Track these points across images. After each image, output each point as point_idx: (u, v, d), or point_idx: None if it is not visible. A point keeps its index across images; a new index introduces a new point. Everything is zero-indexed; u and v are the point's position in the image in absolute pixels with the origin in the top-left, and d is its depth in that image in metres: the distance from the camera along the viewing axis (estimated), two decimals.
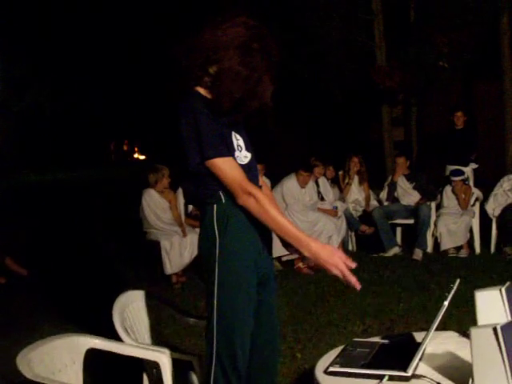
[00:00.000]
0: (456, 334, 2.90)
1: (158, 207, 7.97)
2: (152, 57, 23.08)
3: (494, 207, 8.81)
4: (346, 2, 13.09)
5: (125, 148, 45.22)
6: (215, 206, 2.71)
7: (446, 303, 2.40)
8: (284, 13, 12.90)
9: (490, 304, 2.56)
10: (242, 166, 2.73)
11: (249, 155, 2.81)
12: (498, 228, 8.73)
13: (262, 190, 2.84)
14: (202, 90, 2.75)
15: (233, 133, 2.76)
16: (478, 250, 8.75)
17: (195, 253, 7.64)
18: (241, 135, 2.81)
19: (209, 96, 2.72)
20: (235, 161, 2.67)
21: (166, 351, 3.22)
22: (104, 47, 30.88)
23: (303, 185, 8.58)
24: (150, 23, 24.73)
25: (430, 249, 8.86)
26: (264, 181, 3.04)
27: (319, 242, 2.64)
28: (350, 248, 9.24)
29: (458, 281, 2.58)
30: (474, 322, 2.57)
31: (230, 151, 2.69)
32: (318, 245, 2.61)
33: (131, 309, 3.59)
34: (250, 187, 2.62)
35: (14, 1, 28.43)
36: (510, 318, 2.50)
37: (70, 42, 31.12)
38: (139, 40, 26.90)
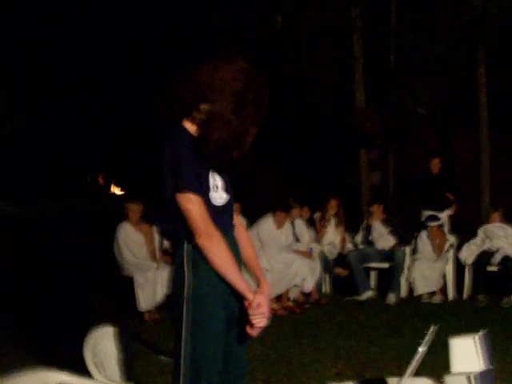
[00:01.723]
0: (429, 381, 2.90)
1: (133, 242, 7.93)
2: (131, 90, 23.11)
3: (466, 255, 8.86)
4: (327, 46, 13.26)
5: (100, 181, 45.03)
6: (186, 244, 2.72)
7: (421, 349, 2.40)
8: (264, 53, 13.05)
9: (464, 352, 2.56)
10: (215, 206, 2.75)
11: (225, 197, 2.83)
12: (471, 275, 8.77)
13: (237, 230, 2.87)
14: (188, 125, 2.78)
15: (211, 172, 2.77)
16: (451, 296, 8.76)
17: (167, 289, 7.61)
18: (220, 176, 2.83)
19: (194, 132, 2.75)
20: (203, 200, 2.68)
21: None
22: (82, 79, 30.86)
23: (280, 225, 8.58)
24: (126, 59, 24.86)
25: (403, 293, 8.86)
26: (240, 220, 3.05)
27: (259, 295, 2.71)
28: (324, 290, 9.22)
29: (433, 327, 2.59)
30: (446, 368, 2.57)
31: (203, 190, 2.70)
32: (256, 297, 2.69)
33: (103, 345, 3.55)
34: (211, 229, 2.66)
35: None
36: (483, 366, 2.50)
37: (45, 75, 31.09)
38: (116, 72, 26.94)
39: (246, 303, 2.70)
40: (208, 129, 2.68)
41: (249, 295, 2.69)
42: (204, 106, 2.72)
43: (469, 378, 2.16)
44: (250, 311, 2.69)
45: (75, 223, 20.52)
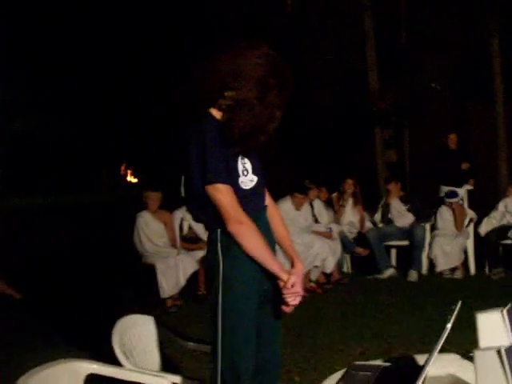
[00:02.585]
0: (457, 357, 2.90)
1: (153, 230, 7.96)
2: (148, 81, 23.12)
3: (487, 229, 8.84)
4: (338, 25, 13.19)
5: (121, 171, 45.20)
6: (219, 230, 2.78)
7: (448, 326, 2.40)
8: (278, 36, 13.00)
9: (491, 326, 2.56)
10: (245, 190, 2.80)
11: (255, 179, 2.86)
12: (487, 249, 8.74)
13: (269, 210, 2.91)
14: (215, 112, 2.80)
15: (240, 157, 2.81)
16: (472, 271, 8.76)
17: (189, 275, 7.65)
18: (249, 158, 2.85)
19: (221, 119, 2.77)
20: (231, 188, 2.73)
21: (167, 376, 3.22)
22: (98, 70, 30.88)
23: (298, 207, 8.60)
24: (147, 45, 24.80)
25: (424, 270, 8.86)
26: (271, 200, 3.07)
27: (293, 275, 2.80)
28: (346, 270, 9.24)
29: (459, 303, 2.59)
30: (472, 344, 2.57)
31: (231, 178, 2.74)
32: (290, 277, 2.78)
33: (130, 334, 3.58)
34: (241, 216, 2.71)
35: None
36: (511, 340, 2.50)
37: (64, 63, 31.14)
38: (135, 62, 26.93)
39: (281, 283, 2.78)
40: (234, 115, 2.70)
41: (283, 276, 2.77)
42: (229, 94, 2.74)
43: (499, 351, 2.17)
44: (285, 291, 2.77)
45: (93, 214, 20.65)
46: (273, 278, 2.81)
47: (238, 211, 2.71)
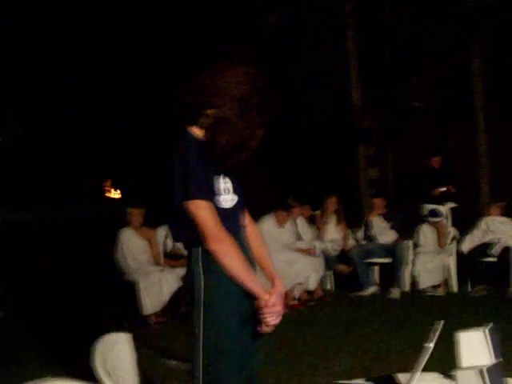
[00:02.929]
0: (440, 376, 2.92)
1: (136, 247, 7.94)
2: (131, 97, 23.06)
3: (469, 247, 8.89)
4: (321, 44, 13.27)
5: (105, 186, 44.99)
6: (200, 249, 2.76)
7: (430, 345, 2.41)
8: (259, 52, 13.05)
9: (473, 345, 2.58)
10: (226, 209, 2.79)
11: (236, 198, 2.85)
12: (469, 267, 8.79)
13: (249, 229, 2.91)
14: (196, 130, 2.80)
15: (221, 176, 2.80)
16: (454, 288, 8.79)
17: (173, 292, 7.61)
18: (230, 177, 2.85)
19: (202, 137, 2.77)
20: (212, 206, 2.72)
21: None
22: (80, 84, 30.79)
23: (281, 224, 8.61)
24: (130, 61, 24.78)
25: (407, 287, 8.88)
26: (251, 219, 3.07)
27: (273, 295, 2.77)
28: (329, 287, 9.24)
29: (441, 322, 2.61)
30: (453, 362, 2.58)
31: (212, 195, 2.74)
32: (271, 297, 2.76)
33: (112, 352, 3.55)
34: (222, 234, 2.70)
35: None
36: (493, 360, 2.52)
37: (46, 76, 30.99)
38: (119, 77, 26.89)
39: (261, 303, 2.75)
40: (215, 133, 2.71)
41: (263, 295, 2.75)
42: (210, 111, 2.74)
43: (480, 371, 2.18)
44: (265, 310, 2.75)
45: (75, 230, 20.51)
46: (253, 298, 2.79)
47: (219, 229, 2.69)
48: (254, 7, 13.29)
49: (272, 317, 2.76)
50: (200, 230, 2.70)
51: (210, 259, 2.72)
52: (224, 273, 2.72)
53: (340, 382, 3.03)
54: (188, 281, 2.84)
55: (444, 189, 10.35)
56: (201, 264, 2.76)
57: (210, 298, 2.73)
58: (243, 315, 2.81)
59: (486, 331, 2.56)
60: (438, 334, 2.51)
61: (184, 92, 2.79)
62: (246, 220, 3.00)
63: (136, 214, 8.02)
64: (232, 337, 2.75)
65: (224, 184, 2.80)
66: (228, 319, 2.74)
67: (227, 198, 2.80)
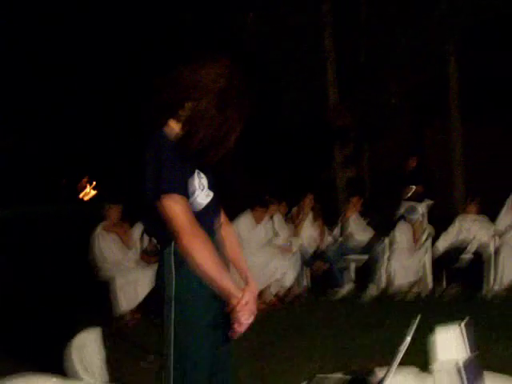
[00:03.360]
0: (416, 370, 2.93)
1: (112, 243, 7.90)
2: (108, 93, 22.96)
3: (444, 245, 8.96)
4: (298, 43, 13.30)
5: (83, 184, 44.72)
6: (173, 245, 2.72)
7: (408, 338, 2.43)
8: (237, 51, 13.05)
9: (449, 340, 2.60)
10: (201, 205, 2.76)
11: (211, 194, 2.83)
12: (445, 264, 8.86)
13: (223, 228, 2.88)
14: (174, 124, 2.77)
15: (196, 171, 2.77)
16: (430, 285, 8.85)
17: (149, 289, 7.58)
18: (205, 173, 2.82)
19: (179, 131, 2.74)
20: (187, 201, 2.67)
21: None
22: (57, 82, 30.56)
23: (259, 221, 8.62)
24: (111, 61, 24.67)
25: (383, 285, 8.93)
26: (226, 217, 3.05)
27: (247, 293, 2.72)
28: (305, 284, 9.25)
29: (418, 316, 2.62)
30: (430, 358, 2.60)
31: (187, 191, 2.70)
32: (244, 295, 2.71)
33: (89, 347, 3.55)
34: (196, 230, 2.65)
35: None
36: (469, 354, 2.54)
37: (21, 76, 30.74)
38: (96, 73, 26.75)
39: (234, 301, 2.71)
40: (193, 127, 2.68)
41: (236, 293, 2.70)
42: (189, 105, 2.71)
43: (457, 365, 2.20)
44: (238, 308, 2.70)
45: (49, 227, 20.37)
46: (225, 299, 2.75)
47: (193, 224, 2.65)
48: (233, 6, 13.28)
49: (245, 315, 2.70)
50: (173, 225, 2.64)
51: (182, 256, 2.68)
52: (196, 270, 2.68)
53: (320, 375, 3.04)
54: (159, 277, 2.79)
55: (413, 188, 10.46)
56: (172, 261, 2.72)
57: (182, 295, 2.70)
58: (215, 314, 2.78)
59: (462, 325, 2.58)
60: (415, 327, 2.52)
61: (163, 85, 2.76)
62: (221, 218, 2.97)
63: (114, 210, 7.99)
64: (203, 334, 2.72)
65: (199, 179, 2.77)
66: (199, 317, 2.71)
67: (202, 194, 2.77)
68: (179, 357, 2.69)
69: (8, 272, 11.42)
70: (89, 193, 43.87)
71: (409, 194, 10.48)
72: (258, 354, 6.06)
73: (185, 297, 2.70)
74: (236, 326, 2.74)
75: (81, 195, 43.76)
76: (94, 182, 43.23)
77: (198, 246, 2.63)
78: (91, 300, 8.07)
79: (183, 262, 2.68)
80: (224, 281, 2.68)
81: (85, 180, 43.90)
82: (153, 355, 3.75)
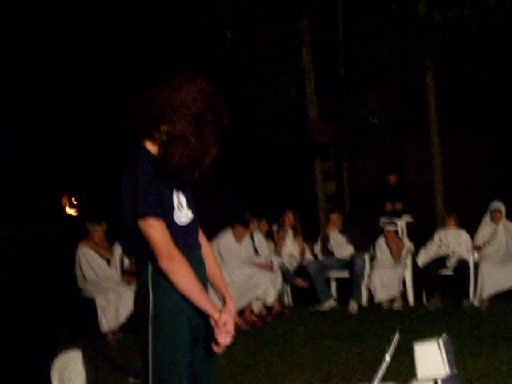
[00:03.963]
0: None
1: (94, 263, 7.88)
2: (90, 111, 22.89)
3: (424, 260, 9.01)
4: (277, 60, 13.36)
5: (62, 202, 44.45)
6: (150, 265, 2.73)
7: (387, 357, 2.45)
8: (215, 68, 13.08)
9: (428, 356, 2.62)
10: (179, 226, 2.77)
11: (190, 214, 2.84)
12: (425, 279, 8.90)
13: (202, 246, 2.89)
14: (149, 145, 2.78)
15: (174, 192, 2.78)
16: (411, 301, 8.89)
17: (130, 309, 7.54)
18: (184, 193, 2.83)
19: (155, 152, 2.74)
20: (164, 223, 2.68)
21: None
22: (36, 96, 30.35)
23: (239, 239, 8.62)
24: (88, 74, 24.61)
25: (364, 301, 8.96)
26: (204, 237, 3.06)
27: (224, 314, 2.76)
28: (286, 302, 9.26)
29: (397, 334, 2.64)
30: (411, 373, 2.62)
31: (164, 212, 2.70)
32: (221, 316, 2.75)
33: (69, 369, 3.54)
34: (173, 252, 2.66)
35: None
36: (448, 370, 2.57)
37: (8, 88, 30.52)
38: (75, 89, 26.64)
39: (212, 322, 2.74)
40: (168, 149, 2.68)
41: (214, 314, 2.73)
42: (164, 127, 2.72)
43: (435, 382, 2.22)
44: (216, 330, 2.72)
45: (30, 248, 20.23)
46: (205, 317, 2.77)
47: (170, 247, 2.66)
48: (210, 23, 13.32)
49: (222, 336, 2.73)
50: (151, 248, 2.66)
51: (160, 277, 2.69)
52: (174, 291, 2.69)
53: None
54: (137, 298, 2.81)
55: (390, 206, 10.55)
56: (150, 281, 2.72)
57: (160, 315, 2.71)
58: (194, 334, 2.79)
59: (441, 342, 2.61)
60: (394, 345, 2.54)
61: (138, 106, 2.76)
62: (201, 237, 2.98)
63: (97, 230, 7.97)
64: (182, 355, 2.72)
65: (177, 200, 2.78)
66: (177, 338, 2.72)
67: (181, 214, 2.78)
68: (158, 375, 2.69)
69: None
70: (69, 211, 43.65)
71: (390, 208, 10.56)
72: (239, 372, 6.06)
73: (162, 316, 2.71)
74: (214, 346, 2.77)
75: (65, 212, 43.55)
76: (74, 201, 43.04)
77: (174, 269, 2.65)
78: (76, 318, 8.05)
79: (161, 281, 2.70)
80: (201, 302, 2.71)
81: (64, 198, 43.68)
82: (133, 375, 3.73)
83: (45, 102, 29.47)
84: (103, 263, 7.92)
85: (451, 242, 8.97)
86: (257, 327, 8.02)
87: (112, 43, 19.65)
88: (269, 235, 9.65)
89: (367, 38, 12.89)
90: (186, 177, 2.73)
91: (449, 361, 2.62)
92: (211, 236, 8.81)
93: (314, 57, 14.02)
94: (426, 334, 6.55)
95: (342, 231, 9.45)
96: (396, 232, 9.42)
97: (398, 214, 10.31)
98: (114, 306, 7.53)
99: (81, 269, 7.81)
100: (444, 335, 2.72)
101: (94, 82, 22.74)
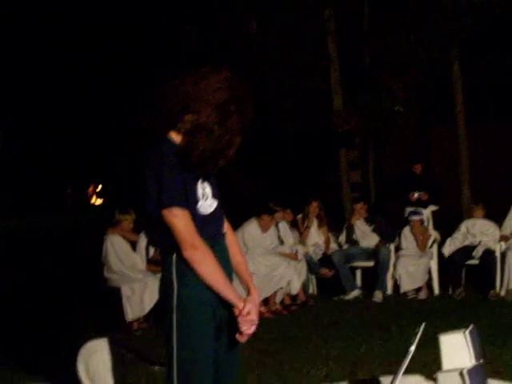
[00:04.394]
0: (421, 378, 2.93)
1: (121, 250, 7.91)
2: (116, 101, 23.01)
3: (450, 250, 8.94)
4: (302, 49, 13.31)
5: (89, 192, 44.77)
6: (174, 255, 2.74)
7: (412, 349, 2.43)
8: (240, 59, 13.06)
9: (454, 347, 2.60)
10: (204, 215, 2.77)
11: (214, 204, 2.84)
12: (451, 269, 8.84)
13: (227, 236, 2.88)
14: (174, 135, 2.77)
15: (198, 181, 2.77)
16: (436, 291, 8.84)
17: (156, 299, 7.57)
18: (209, 182, 2.83)
19: (180, 143, 2.74)
20: (188, 213, 2.69)
21: None
22: (61, 89, 30.57)
23: (265, 229, 8.61)
24: (111, 67, 24.72)
25: (389, 291, 8.92)
26: (229, 226, 3.06)
27: (248, 303, 2.75)
28: (311, 291, 9.25)
29: (423, 325, 2.62)
30: (436, 365, 2.60)
31: (188, 202, 2.70)
32: (246, 305, 2.74)
33: (95, 358, 3.54)
34: (197, 242, 2.67)
35: None
36: (474, 361, 2.54)
37: (25, 82, 30.78)
38: (98, 81, 26.79)
39: (236, 311, 2.73)
40: (193, 140, 2.68)
41: (238, 304, 2.72)
42: (188, 117, 2.71)
43: (461, 373, 2.20)
44: (240, 319, 2.72)
45: (58, 236, 20.40)
46: (229, 306, 2.77)
47: (194, 236, 2.66)
48: (234, 14, 13.30)
49: (246, 325, 2.73)
50: (175, 237, 2.67)
51: (184, 266, 2.70)
52: (198, 280, 2.69)
53: (325, 383, 3.04)
54: (162, 287, 2.81)
55: (416, 195, 10.44)
56: (174, 271, 2.73)
57: (184, 305, 2.71)
58: (218, 324, 2.79)
59: (467, 333, 2.58)
60: (419, 337, 2.52)
61: (163, 96, 2.76)
62: (226, 226, 2.97)
63: (127, 219, 7.98)
64: (206, 345, 2.73)
65: (202, 189, 2.78)
66: (202, 327, 2.72)
67: (205, 203, 2.78)
68: (183, 364, 2.70)
69: (18, 281, 11.46)
70: (95, 201, 43.96)
71: (415, 197, 10.46)
72: (263, 362, 6.06)
73: (187, 305, 2.71)
74: (238, 335, 2.77)
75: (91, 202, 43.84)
76: (100, 187, 43.33)
77: (198, 259, 2.66)
78: (102, 308, 8.11)
79: (185, 271, 2.70)
80: (225, 291, 2.71)
81: (90, 188, 44.01)
82: (154, 365, 3.74)
83: (73, 92, 29.68)
84: (130, 252, 7.95)
85: (478, 231, 8.90)
86: (281, 316, 8.02)
87: (138, 34, 19.72)
88: (294, 225, 9.64)
89: (393, 26, 12.79)
90: (210, 166, 2.73)
91: (475, 352, 2.60)
92: (235, 227, 8.81)
93: (338, 45, 13.95)
94: (451, 325, 6.53)
95: (367, 221, 9.41)
96: (421, 221, 9.35)
97: (424, 204, 10.22)
98: (139, 295, 7.56)
99: (107, 258, 7.84)
100: (470, 326, 2.69)
101: (118, 71, 22.86)
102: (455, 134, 13.04)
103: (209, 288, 2.71)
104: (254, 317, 2.74)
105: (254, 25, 13.31)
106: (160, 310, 2.86)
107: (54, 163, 36.04)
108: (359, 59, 14.74)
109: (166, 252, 2.79)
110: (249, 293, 2.90)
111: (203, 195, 2.78)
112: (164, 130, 2.78)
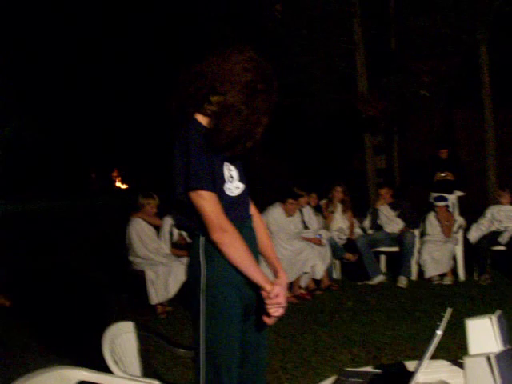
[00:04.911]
0: (447, 363, 2.90)
1: (145, 234, 7.94)
2: (139, 87, 23.09)
3: (476, 236, 8.87)
4: (327, 33, 13.24)
5: (113, 177, 45.08)
6: (202, 237, 2.74)
7: (439, 333, 2.40)
8: (266, 43, 13.02)
9: (481, 332, 2.57)
10: (231, 197, 2.76)
11: (241, 186, 2.83)
12: (476, 255, 8.77)
13: (254, 219, 2.88)
14: (200, 118, 2.77)
15: (225, 163, 2.76)
16: (461, 277, 8.79)
17: (180, 282, 7.61)
18: (235, 165, 2.82)
19: (207, 125, 2.74)
20: (216, 195, 2.69)
21: (157, 383, 3.21)
22: (86, 75, 30.75)
23: (289, 214, 8.59)
24: (136, 54, 24.78)
25: (414, 276, 8.88)
26: (255, 209, 3.05)
27: (276, 286, 2.74)
28: (335, 276, 9.24)
29: (449, 310, 2.59)
30: (462, 350, 2.58)
31: (216, 185, 2.70)
32: (274, 288, 2.72)
33: (120, 340, 3.57)
34: (225, 224, 2.66)
35: None
36: (501, 347, 2.51)
37: (52, 69, 30.99)
38: (123, 67, 26.87)
39: (264, 294, 2.73)
40: (220, 120, 2.67)
41: (266, 286, 2.71)
42: (215, 98, 2.71)
43: (488, 358, 2.18)
44: (268, 301, 2.72)
45: (83, 220, 20.58)
46: (256, 288, 2.77)
47: (222, 219, 2.66)
48: None
49: (274, 308, 2.72)
50: (203, 220, 2.67)
51: (212, 248, 2.70)
52: (226, 262, 2.70)
53: (348, 369, 3.03)
54: (189, 270, 2.81)
55: (443, 174, 10.35)
56: (202, 253, 2.73)
57: (212, 287, 2.71)
58: (246, 306, 2.80)
59: (494, 318, 2.55)
60: (446, 321, 2.49)
61: (188, 78, 2.75)
62: (252, 209, 2.96)
63: (150, 203, 8.00)
64: (233, 327, 2.73)
65: (229, 172, 2.77)
66: (229, 309, 2.72)
67: (232, 185, 2.77)
68: (210, 347, 2.71)
69: (43, 263, 11.58)
70: (119, 185, 44.24)
71: (441, 176, 10.36)
72: (287, 346, 6.08)
73: (214, 287, 2.71)
74: (265, 318, 2.77)
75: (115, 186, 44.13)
76: (124, 175, 43.60)
77: (226, 241, 2.66)
78: (127, 291, 8.17)
79: (213, 253, 2.71)
80: (253, 274, 2.71)
81: (115, 173, 44.27)
82: (178, 348, 3.75)
83: (99, 79, 29.83)
84: (154, 237, 7.98)
85: (504, 217, 8.82)
86: (305, 301, 8.03)
87: (160, 17, 19.72)
88: (318, 209, 9.62)
89: (419, 8, 12.65)
90: (238, 148, 2.72)
91: (502, 337, 2.57)
92: (260, 211, 8.80)
93: (364, 29, 13.85)
94: (476, 310, 6.49)
95: (392, 206, 9.36)
96: (447, 207, 9.27)
97: (449, 190, 10.13)
98: (164, 279, 7.59)
99: (131, 242, 7.88)
100: (497, 311, 2.66)
101: (143, 55, 22.89)
102: (481, 119, 12.91)
103: (237, 270, 2.71)
104: (282, 300, 2.73)
105: (280, 8, 13.25)
106: (186, 292, 2.87)
107: (79, 150, 36.33)
108: (385, 42, 14.64)
109: (193, 235, 2.79)
110: (277, 276, 2.90)
111: (229, 177, 2.77)
112: (191, 111, 2.77)
